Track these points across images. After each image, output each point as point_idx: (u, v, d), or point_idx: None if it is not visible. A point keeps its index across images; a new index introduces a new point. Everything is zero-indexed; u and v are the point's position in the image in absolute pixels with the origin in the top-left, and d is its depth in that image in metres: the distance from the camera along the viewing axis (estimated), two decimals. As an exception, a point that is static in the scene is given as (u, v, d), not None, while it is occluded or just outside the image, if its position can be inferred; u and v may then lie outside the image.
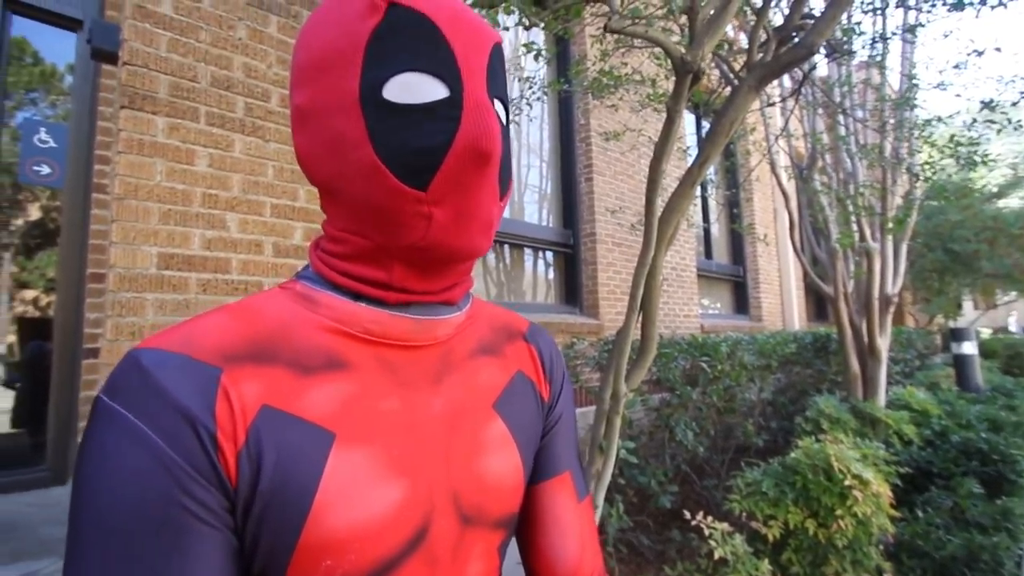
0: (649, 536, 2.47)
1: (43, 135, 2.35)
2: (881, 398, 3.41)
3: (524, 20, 1.62)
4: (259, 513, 0.34)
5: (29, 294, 2.63)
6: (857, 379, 3.50)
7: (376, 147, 0.37)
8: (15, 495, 2.09)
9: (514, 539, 0.54)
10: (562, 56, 4.11)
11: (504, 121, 0.44)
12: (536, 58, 1.82)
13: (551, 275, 4.08)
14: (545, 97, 3.01)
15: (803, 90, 3.40)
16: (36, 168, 2.32)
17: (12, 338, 2.62)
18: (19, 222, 2.59)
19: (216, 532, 0.33)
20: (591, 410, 3.08)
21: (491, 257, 3.69)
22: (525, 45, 1.75)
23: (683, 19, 1.84)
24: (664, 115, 1.71)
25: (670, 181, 3.99)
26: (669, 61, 1.64)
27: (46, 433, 2.28)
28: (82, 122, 2.40)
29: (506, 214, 3.73)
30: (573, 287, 4.02)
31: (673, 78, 1.63)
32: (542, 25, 2.06)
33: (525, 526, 0.53)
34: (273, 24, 2.07)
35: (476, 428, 0.45)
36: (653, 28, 1.50)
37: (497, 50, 0.43)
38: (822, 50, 2.61)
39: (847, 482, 2.01)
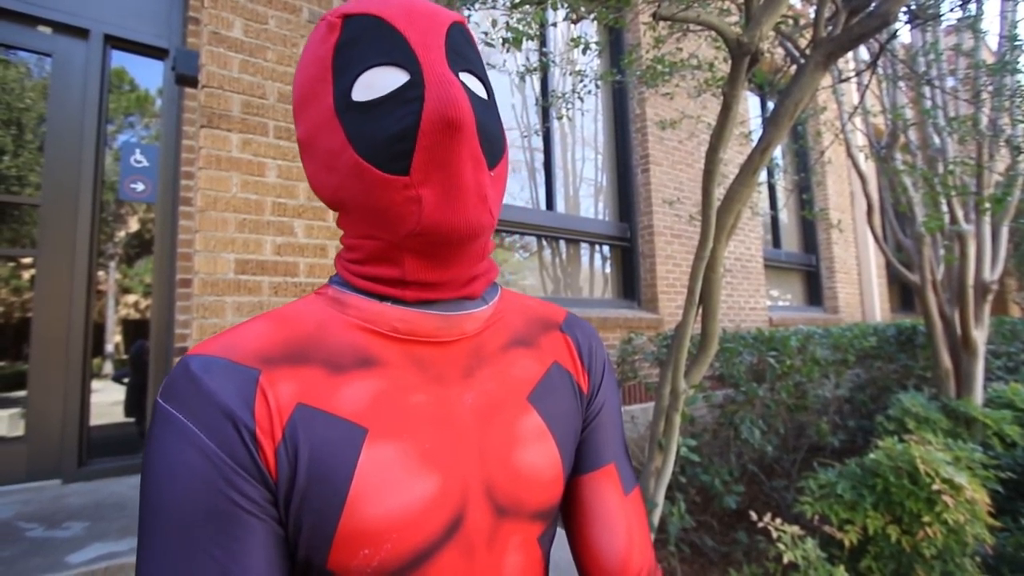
0: (713, 537, 2.39)
1: (138, 155, 2.60)
2: (978, 395, 3.10)
3: (572, 15, 1.60)
4: (299, 504, 0.36)
5: (131, 298, 2.93)
6: (949, 375, 3.20)
7: (356, 147, 0.40)
8: (124, 478, 2.35)
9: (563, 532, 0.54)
10: (615, 45, 4.02)
11: (482, 93, 0.44)
12: (584, 51, 1.80)
13: (608, 269, 4.02)
14: (598, 88, 2.96)
15: (881, 62, 3.14)
16: (133, 186, 2.58)
17: (118, 338, 2.94)
18: (121, 234, 2.89)
19: (261, 522, 0.36)
20: (651, 406, 3.02)
21: (547, 252, 3.69)
22: (574, 40, 1.73)
23: (739, -2, 1.75)
24: (723, 100, 1.63)
25: (733, 168, 3.81)
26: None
27: (146, 423, 2.54)
28: (169, 142, 2.64)
29: (561, 208, 3.71)
30: (631, 281, 3.94)
31: (730, 62, 1.56)
32: (592, 17, 2.03)
33: (571, 520, 0.52)
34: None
35: (510, 421, 0.46)
36: (706, 11, 1.44)
37: (456, 28, 0.43)
38: (901, 17, 2.40)
39: (935, 486, 1.85)
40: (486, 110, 0.43)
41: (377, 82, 0.40)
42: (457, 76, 0.41)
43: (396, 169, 0.39)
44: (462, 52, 0.43)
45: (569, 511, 0.53)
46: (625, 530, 0.51)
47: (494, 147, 0.43)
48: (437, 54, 0.40)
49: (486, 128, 0.42)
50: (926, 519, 1.83)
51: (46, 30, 2.41)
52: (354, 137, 0.40)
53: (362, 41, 0.40)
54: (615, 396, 0.57)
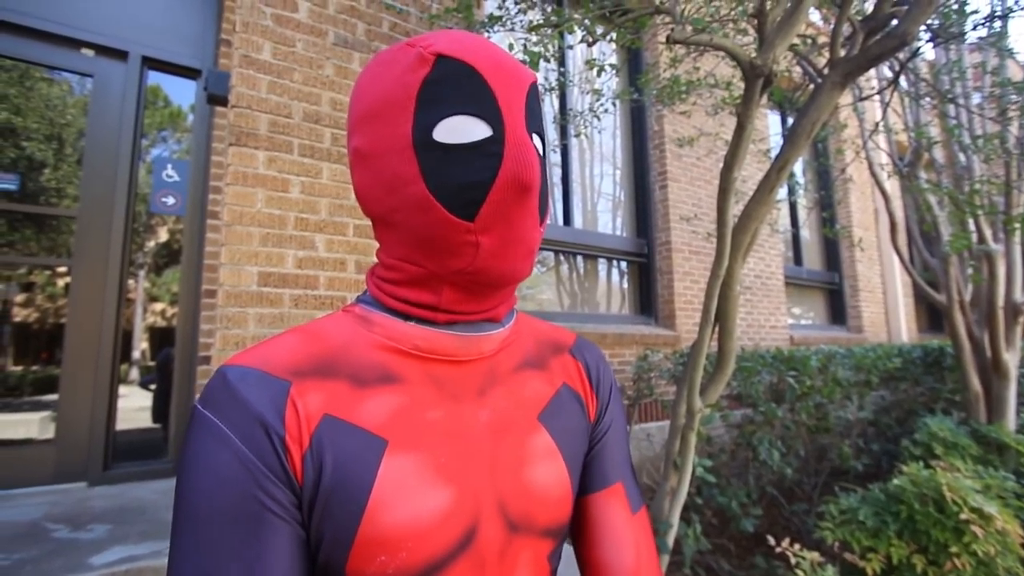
0: (730, 561, 2.34)
1: (170, 170, 2.71)
2: (1010, 421, 2.99)
3: (587, 38, 1.64)
4: (321, 509, 0.39)
5: (158, 307, 3.03)
6: (979, 399, 3.10)
7: (428, 183, 0.42)
8: (147, 483, 2.40)
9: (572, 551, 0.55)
10: (633, 63, 4.06)
11: (541, 153, 0.47)
12: (599, 73, 1.83)
13: (625, 285, 4.01)
14: (615, 106, 2.99)
15: (903, 79, 3.11)
16: (164, 199, 2.68)
17: (145, 345, 3.03)
18: (151, 245, 3.00)
19: (286, 524, 0.38)
20: (667, 424, 2.99)
21: (564, 268, 3.70)
22: (588, 62, 1.77)
23: (755, 20, 1.77)
24: (737, 121, 1.64)
25: (752, 185, 3.78)
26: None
27: (170, 429, 2.60)
28: (199, 158, 2.74)
29: (578, 224, 3.73)
30: (648, 297, 3.92)
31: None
32: (609, 39, 2.06)
33: (580, 538, 0.53)
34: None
35: (521, 438, 0.47)
36: (720, 33, 1.46)
37: (533, 89, 0.46)
38: (922, 36, 2.38)
39: (963, 515, 1.78)
40: (543, 170, 0.46)
41: (461, 128, 0.42)
42: (531, 138, 0.44)
43: (463, 215, 0.42)
44: (535, 113, 0.46)
45: (577, 530, 0.54)
46: (633, 548, 0.52)
47: (545, 204, 0.47)
48: (518, 115, 0.43)
49: (543, 188, 0.46)
50: (954, 549, 1.76)
51: (89, 52, 2.54)
52: (428, 174, 0.42)
53: (453, 85, 0.42)
54: (621, 417, 0.58)
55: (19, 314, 2.51)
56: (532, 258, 0.45)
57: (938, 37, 2.36)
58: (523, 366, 0.52)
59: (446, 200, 0.41)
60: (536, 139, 0.46)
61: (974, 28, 2.44)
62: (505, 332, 0.51)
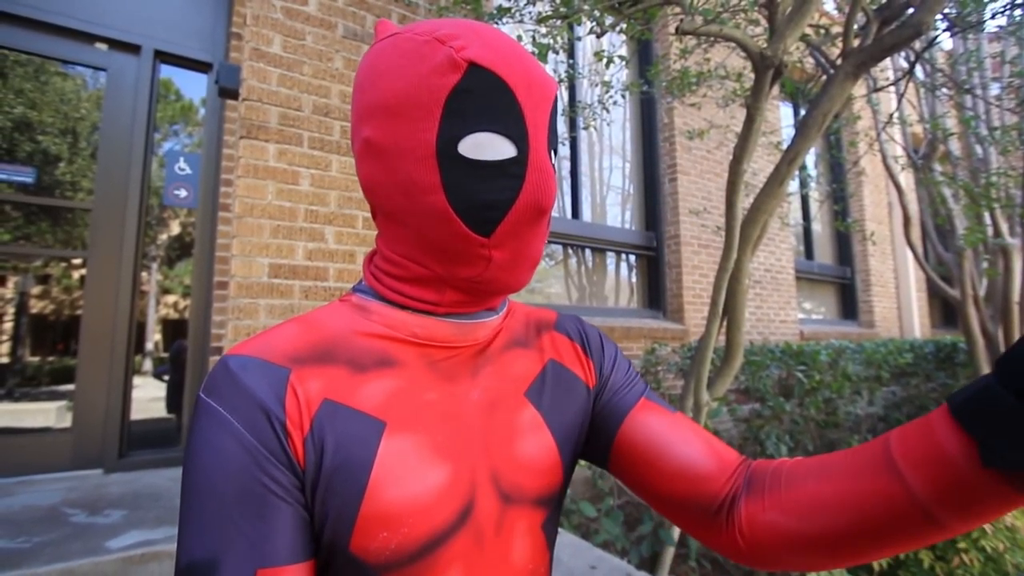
0: (737, 553, 2.34)
1: (182, 163, 2.74)
2: (1024, 418, 2.95)
3: (597, 29, 1.63)
4: (324, 490, 0.40)
5: (171, 299, 3.08)
6: (992, 395, 3.06)
7: (448, 195, 0.42)
8: (161, 470, 2.45)
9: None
10: (643, 55, 4.03)
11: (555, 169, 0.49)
12: (608, 65, 1.82)
13: (634, 279, 4.00)
14: (625, 98, 2.97)
15: (918, 70, 3.05)
16: (176, 192, 2.71)
17: (158, 336, 3.08)
18: (163, 237, 3.04)
19: (288, 505, 0.39)
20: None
21: (572, 261, 3.70)
22: (597, 53, 1.76)
23: (765, 10, 1.74)
24: (747, 113, 1.63)
25: (763, 178, 3.75)
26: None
27: (183, 419, 2.65)
28: (211, 151, 2.77)
29: (587, 217, 3.72)
30: (656, 291, 3.91)
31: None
32: (619, 30, 2.05)
33: (636, 466, 0.51)
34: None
35: (510, 414, 0.50)
36: (729, 24, 1.44)
37: (555, 102, 0.47)
38: (938, 26, 2.34)
39: (972, 511, 1.77)
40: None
41: (486, 145, 0.42)
42: (550, 157, 0.45)
43: (480, 231, 0.43)
44: (554, 129, 0.47)
45: (629, 461, 0.52)
46: (694, 435, 0.52)
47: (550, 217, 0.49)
48: (542, 134, 0.44)
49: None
50: (962, 545, 1.76)
51: (102, 47, 2.57)
52: (450, 186, 0.42)
53: (482, 98, 0.41)
54: (623, 359, 0.60)
55: (36, 306, 2.56)
56: (535, 269, 0.48)
57: (955, 26, 2.32)
58: (511, 345, 0.54)
59: (465, 215, 0.42)
60: (552, 156, 0.46)
61: (993, 16, 2.39)
62: (499, 319, 0.53)
